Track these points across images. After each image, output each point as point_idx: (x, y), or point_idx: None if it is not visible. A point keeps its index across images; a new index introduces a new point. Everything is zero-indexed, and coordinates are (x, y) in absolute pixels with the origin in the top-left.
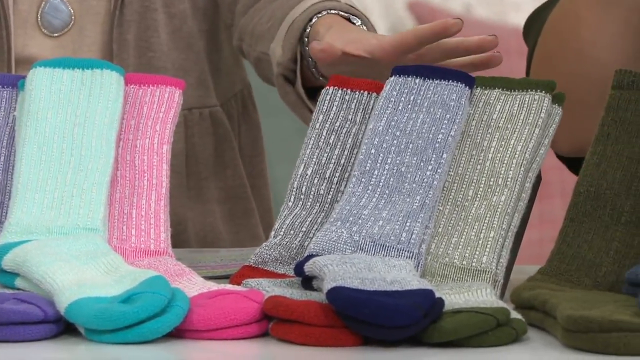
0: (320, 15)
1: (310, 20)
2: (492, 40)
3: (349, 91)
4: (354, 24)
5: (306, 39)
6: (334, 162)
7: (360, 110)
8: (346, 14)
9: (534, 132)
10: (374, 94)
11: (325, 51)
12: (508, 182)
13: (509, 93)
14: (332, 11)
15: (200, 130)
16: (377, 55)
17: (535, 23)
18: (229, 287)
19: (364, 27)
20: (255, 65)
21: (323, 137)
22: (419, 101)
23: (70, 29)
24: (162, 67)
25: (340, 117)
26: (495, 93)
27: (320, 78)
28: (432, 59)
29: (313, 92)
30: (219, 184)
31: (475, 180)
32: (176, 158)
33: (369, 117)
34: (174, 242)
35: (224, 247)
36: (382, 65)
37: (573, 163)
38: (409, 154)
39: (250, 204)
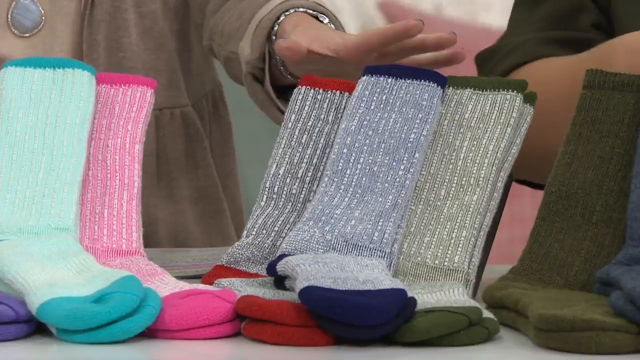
0: (287, 13)
1: (278, 18)
2: (449, 37)
3: (321, 91)
4: (321, 22)
5: (274, 38)
6: (307, 162)
7: (333, 110)
8: (314, 12)
9: (505, 131)
10: (346, 94)
11: (291, 49)
12: (480, 182)
13: (480, 93)
14: (300, 9)
15: (172, 131)
16: (341, 54)
17: (486, 63)
18: (201, 286)
19: (332, 25)
20: (225, 64)
21: (295, 136)
22: (391, 101)
23: (41, 29)
24: (132, 67)
25: (312, 116)
26: (467, 93)
27: (289, 76)
28: (395, 57)
29: (282, 91)
30: (191, 184)
31: (447, 180)
32: (147, 158)
33: (341, 117)
34: (145, 242)
35: (195, 247)
36: (347, 64)
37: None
38: (381, 153)
39: (222, 204)
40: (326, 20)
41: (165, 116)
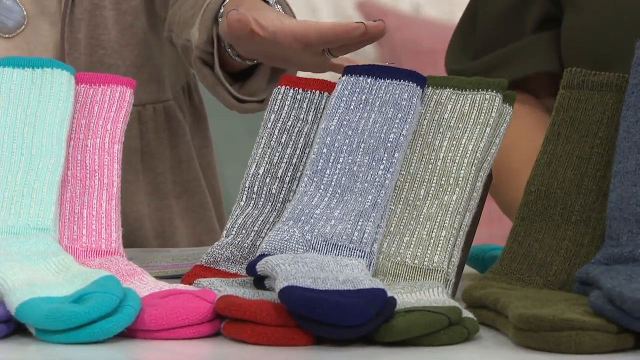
0: None
1: (224, 0)
2: (378, 25)
3: (300, 90)
4: (267, 2)
5: (220, 20)
6: (286, 162)
7: (312, 110)
8: None
9: (485, 131)
10: (326, 94)
11: (241, 21)
12: (459, 182)
13: (460, 92)
14: None
15: (155, 126)
16: (277, 38)
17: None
18: (181, 286)
19: (278, 6)
20: (183, 54)
21: (275, 136)
22: (370, 100)
23: (24, 29)
24: (113, 65)
25: (292, 116)
26: (446, 92)
27: (237, 58)
28: (339, 52)
29: (235, 77)
30: (175, 178)
31: (426, 180)
32: (132, 154)
33: (321, 117)
34: (131, 238)
35: (181, 241)
36: (289, 49)
37: None
38: (360, 153)
39: (205, 197)
40: (272, 1)
41: (148, 111)
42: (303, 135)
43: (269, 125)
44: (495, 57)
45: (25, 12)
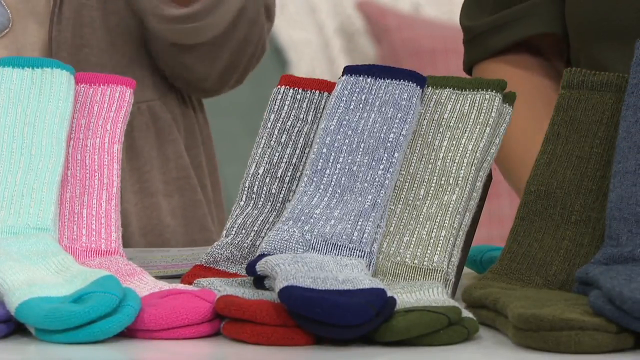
0: None
1: None
2: None
3: (300, 90)
4: None
5: None
6: (286, 162)
7: (312, 110)
8: None
9: (484, 131)
10: (326, 93)
11: None
12: (459, 181)
13: (460, 92)
14: None
15: (139, 125)
16: None
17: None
18: (181, 286)
19: None
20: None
21: (274, 136)
22: (370, 100)
23: (11, 29)
24: (98, 65)
25: (291, 116)
26: (446, 92)
27: None
28: None
29: None
30: (163, 177)
31: (426, 180)
32: None
33: (321, 117)
34: None
35: (172, 239)
36: None
37: None
38: (360, 153)
39: (197, 196)
40: None
41: (132, 110)
42: (303, 135)
43: (269, 125)
44: (502, 16)
45: (10, 14)
